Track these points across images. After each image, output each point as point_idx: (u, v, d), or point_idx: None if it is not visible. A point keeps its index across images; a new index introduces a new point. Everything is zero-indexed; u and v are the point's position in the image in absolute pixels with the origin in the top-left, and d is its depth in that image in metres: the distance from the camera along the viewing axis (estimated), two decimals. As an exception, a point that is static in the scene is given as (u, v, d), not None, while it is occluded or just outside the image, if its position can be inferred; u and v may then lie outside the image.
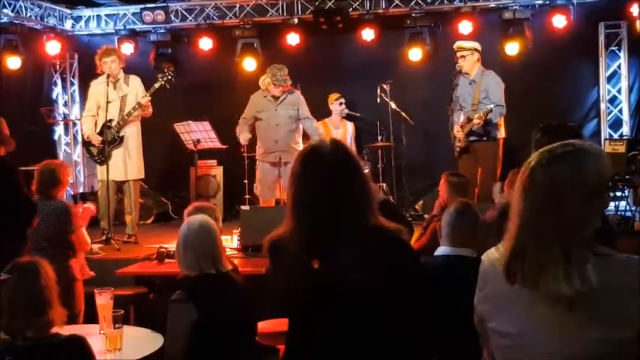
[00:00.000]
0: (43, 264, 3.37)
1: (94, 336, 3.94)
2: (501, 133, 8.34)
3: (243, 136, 8.59)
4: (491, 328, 2.15)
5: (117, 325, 3.92)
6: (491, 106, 7.94)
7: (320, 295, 2.52)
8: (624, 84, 10.56)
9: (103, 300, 4.19)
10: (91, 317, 4.75)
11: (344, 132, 10.10)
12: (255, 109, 8.57)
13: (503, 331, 2.09)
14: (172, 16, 11.04)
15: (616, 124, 10.64)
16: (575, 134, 3.54)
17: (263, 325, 4.74)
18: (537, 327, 2.00)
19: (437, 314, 3.24)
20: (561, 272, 1.93)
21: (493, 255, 2.19)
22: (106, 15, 11.55)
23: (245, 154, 9.22)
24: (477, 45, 8.48)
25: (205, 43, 11.02)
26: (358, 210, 2.55)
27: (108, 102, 8.19)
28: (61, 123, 11.95)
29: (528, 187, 2.03)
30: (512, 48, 10.23)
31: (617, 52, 10.57)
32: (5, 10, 10.16)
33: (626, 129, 10.55)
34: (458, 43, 8.56)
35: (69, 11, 11.51)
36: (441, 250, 3.82)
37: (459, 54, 8.43)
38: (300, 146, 8.45)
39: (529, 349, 2.02)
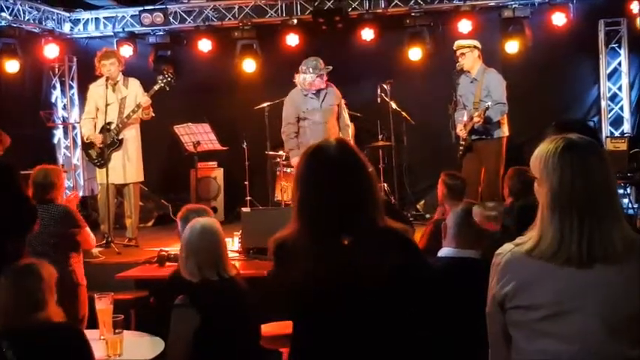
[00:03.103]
0: (43, 265, 3.38)
1: (94, 341, 3.90)
2: (504, 132, 8.31)
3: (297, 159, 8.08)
4: (514, 307, 2.24)
5: (117, 331, 3.90)
6: (490, 102, 7.92)
7: (326, 297, 2.50)
8: (625, 81, 10.53)
9: (103, 305, 4.16)
10: (92, 322, 4.72)
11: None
12: (299, 109, 8.10)
13: (535, 303, 2.20)
14: (171, 18, 11.00)
15: (617, 121, 10.60)
16: (588, 131, 3.50)
17: (265, 328, 4.71)
18: (581, 292, 2.16)
19: (442, 314, 3.22)
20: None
21: (511, 246, 2.30)
22: (105, 18, 11.52)
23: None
24: (476, 42, 8.48)
25: (204, 45, 10.99)
26: (365, 210, 2.53)
27: (107, 105, 8.16)
28: (61, 126, 11.92)
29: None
30: (512, 46, 10.21)
31: (617, 49, 10.53)
32: (3, 14, 10.12)
33: (627, 126, 10.52)
34: (457, 42, 8.56)
35: (67, 14, 11.48)
36: (445, 251, 3.77)
37: (458, 52, 8.42)
38: None
39: (566, 316, 2.16)
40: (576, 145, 2.23)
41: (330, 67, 8.12)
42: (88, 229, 5.82)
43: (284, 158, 9.17)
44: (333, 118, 8.18)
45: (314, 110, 8.10)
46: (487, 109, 7.87)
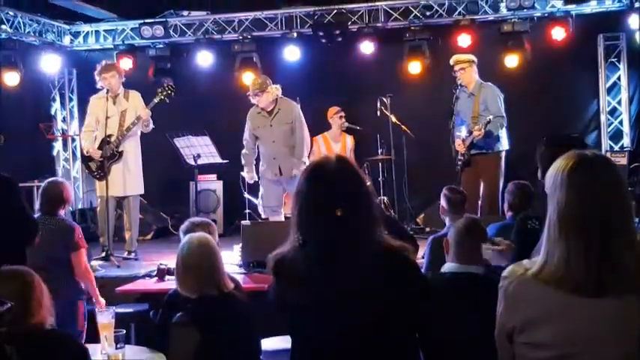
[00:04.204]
0: (30, 272, 3.37)
1: (96, 357, 3.89)
2: (503, 145, 8.34)
3: (250, 176, 8.47)
4: (522, 343, 2.13)
5: (119, 345, 3.87)
6: (490, 117, 7.94)
7: (324, 313, 2.49)
8: (624, 95, 10.56)
9: (105, 319, 4.12)
10: (92, 336, 4.70)
11: (343, 145, 10.06)
12: (251, 128, 8.33)
13: (544, 342, 2.07)
14: (171, 31, 11.02)
15: (616, 135, 10.62)
16: (580, 146, 3.47)
17: (266, 343, 4.69)
18: (592, 332, 2.02)
19: (445, 331, 3.20)
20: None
21: (520, 271, 2.16)
22: (105, 30, 11.54)
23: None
24: (473, 57, 8.52)
25: (204, 58, 11.01)
26: (364, 228, 2.52)
27: (107, 117, 8.16)
28: (60, 139, 11.92)
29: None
30: (511, 60, 10.22)
31: (616, 63, 10.57)
32: (4, 27, 10.14)
33: (626, 140, 10.53)
34: (455, 57, 8.59)
35: (67, 27, 11.50)
36: (448, 266, 3.77)
37: (457, 67, 8.45)
38: (304, 158, 8.33)
39: (577, 357, 2.03)
40: (588, 162, 2.11)
41: (269, 88, 8.06)
42: (84, 252, 5.73)
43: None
44: (285, 138, 8.19)
45: (264, 129, 8.23)
46: (488, 122, 7.89)
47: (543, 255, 2.10)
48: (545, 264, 2.08)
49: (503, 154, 8.35)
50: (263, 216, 8.52)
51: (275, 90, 8.14)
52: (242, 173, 8.83)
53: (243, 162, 8.56)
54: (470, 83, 8.43)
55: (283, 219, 8.19)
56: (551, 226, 2.09)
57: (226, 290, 3.91)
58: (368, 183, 2.68)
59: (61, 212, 5.68)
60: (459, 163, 8.34)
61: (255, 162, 8.49)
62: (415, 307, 2.53)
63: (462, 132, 8.31)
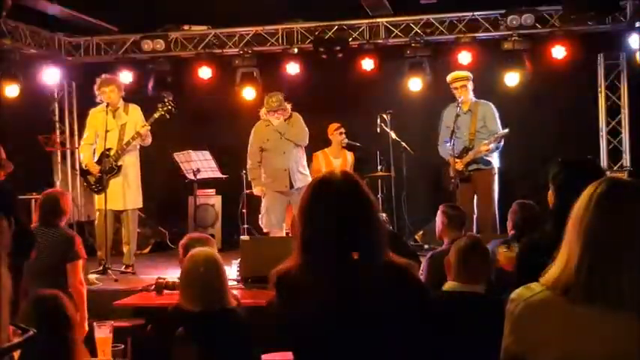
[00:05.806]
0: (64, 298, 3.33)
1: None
2: (496, 162, 8.39)
3: (259, 189, 8.57)
4: None
5: (116, 361, 3.84)
6: (506, 130, 8.02)
7: (327, 330, 2.48)
8: (623, 115, 10.56)
9: (103, 333, 4.08)
10: (90, 351, 4.65)
11: (343, 162, 10.05)
12: (260, 141, 8.45)
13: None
14: (172, 45, 11.01)
15: (615, 155, 10.62)
16: (597, 170, 3.42)
17: (266, 358, 4.66)
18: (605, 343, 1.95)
19: (447, 350, 3.18)
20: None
21: (528, 294, 2.08)
22: (105, 43, 11.52)
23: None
24: (470, 74, 8.56)
25: (205, 72, 11.00)
26: (369, 245, 2.50)
27: (107, 131, 8.16)
28: (59, 151, 11.88)
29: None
30: (511, 79, 10.21)
31: (616, 83, 10.58)
32: (4, 39, 10.13)
33: (625, 160, 10.53)
34: (454, 74, 8.61)
35: (68, 39, 11.49)
36: (450, 285, 3.74)
37: (458, 84, 8.47)
38: (306, 170, 8.48)
39: None
40: (622, 186, 2.06)
41: (287, 105, 8.47)
42: (81, 263, 5.73)
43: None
44: (295, 149, 8.47)
45: (274, 142, 8.40)
46: (504, 135, 7.98)
47: (558, 267, 2.04)
48: (551, 268, 2.04)
49: (496, 170, 8.40)
50: (264, 230, 8.52)
51: (288, 106, 8.48)
52: (249, 191, 8.92)
53: (250, 177, 8.63)
54: (467, 100, 8.44)
55: (284, 234, 8.20)
56: (572, 242, 2.03)
57: (229, 306, 3.89)
58: (373, 200, 2.65)
59: (61, 222, 5.68)
60: (452, 180, 8.30)
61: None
62: (417, 321, 2.52)
63: (452, 148, 8.28)
